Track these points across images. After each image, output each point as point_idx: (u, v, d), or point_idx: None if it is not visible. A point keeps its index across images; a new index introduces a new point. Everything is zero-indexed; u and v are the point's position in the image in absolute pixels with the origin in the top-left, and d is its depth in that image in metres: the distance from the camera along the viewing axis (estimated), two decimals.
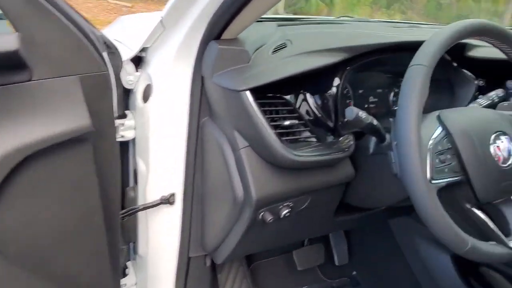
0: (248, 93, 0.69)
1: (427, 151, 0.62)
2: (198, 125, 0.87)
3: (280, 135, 0.74)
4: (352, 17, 1.36)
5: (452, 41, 0.67)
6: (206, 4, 0.72)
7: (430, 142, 0.63)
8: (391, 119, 0.70)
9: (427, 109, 0.65)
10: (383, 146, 0.77)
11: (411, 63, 0.65)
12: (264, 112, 0.72)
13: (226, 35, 0.76)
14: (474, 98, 0.93)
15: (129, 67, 0.90)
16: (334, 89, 0.80)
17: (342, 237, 1.38)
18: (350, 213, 0.99)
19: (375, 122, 0.71)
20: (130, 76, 0.90)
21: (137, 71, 0.93)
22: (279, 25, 1.05)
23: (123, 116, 0.93)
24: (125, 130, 0.93)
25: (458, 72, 0.95)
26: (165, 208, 0.95)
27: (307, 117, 0.82)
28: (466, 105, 0.92)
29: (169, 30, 0.81)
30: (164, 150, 0.89)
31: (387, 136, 0.76)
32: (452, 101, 0.96)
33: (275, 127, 0.75)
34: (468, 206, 0.68)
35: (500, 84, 1.03)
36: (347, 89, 0.89)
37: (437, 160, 0.62)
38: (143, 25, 0.96)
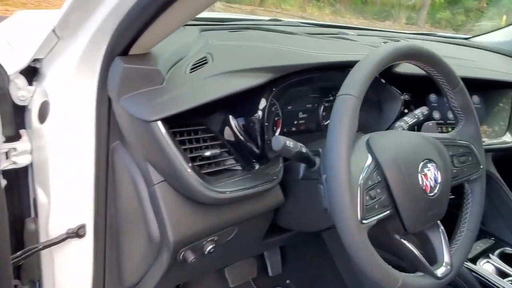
0: (159, 123, 0.60)
1: (358, 187, 0.58)
2: (107, 150, 0.75)
3: (200, 167, 0.65)
4: (281, 20, 1.30)
5: (380, 68, 0.63)
6: (107, 15, 0.60)
7: (361, 177, 0.59)
8: (320, 149, 0.66)
9: None
10: (312, 171, 0.73)
11: (340, 92, 0.60)
12: (181, 143, 0.63)
13: (135, 49, 0.64)
14: (401, 114, 0.93)
15: (19, 80, 0.76)
16: (260, 113, 0.73)
17: (276, 248, 1.34)
18: (280, 233, 0.94)
19: (304, 149, 0.66)
20: (21, 91, 0.76)
21: (31, 84, 0.78)
22: (202, 30, 0.95)
23: (15, 138, 0.78)
24: (18, 155, 0.78)
25: (386, 88, 0.94)
26: (73, 242, 0.82)
27: (231, 139, 0.75)
28: (394, 121, 0.92)
29: (66, 41, 0.68)
30: (68, 177, 0.76)
31: (317, 160, 0.71)
32: (380, 117, 0.95)
33: (194, 159, 0.66)
34: (397, 237, 0.66)
35: (424, 98, 1.05)
36: (275, 106, 0.83)
37: (367, 197, 0.59)
38: (40, 27, 0.80)
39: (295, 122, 0.90)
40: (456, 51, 1.39)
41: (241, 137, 0.73)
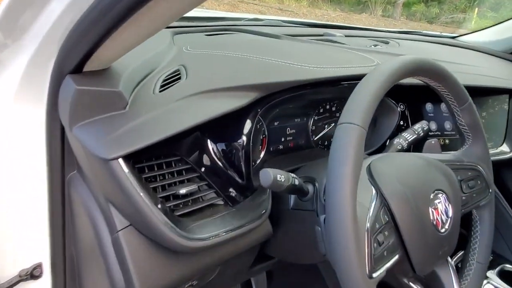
0: (120, 161, 0.48)
1: (365, 233, 0.49)
2: (63, 181, 0.63)
3: (175, 207, 0.55)
4: (262, 20, 1.19)
5: (386, 89, 0.54)
6: (54, 21, 0.48)
7: (368, 218, 0.50)
8: (316, 183, 0.56)
9: None
10: (305, 200, 0.63)
11: (342, 119, 0.50)
12: (150, 179, 0.52)
13: (91, 65, 0.52)
14: (398, 127, 0.85)
15: None
16: (244, 138, 0.62)
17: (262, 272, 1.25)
18: (268, 259, 0.85)
19: (296, 181, 0.56)
20: None
21: None
22: (175, 33, 0.83)
23: None
24: None
25: (382, 100, 0.85)
26: (28, 285, 0.70)
27: (210, 169, 0.64)
28: (391, 135, 0.84)
29: (4, 55, 0.55)
30: (17, 211, 0.64)
31: (310, 188, 0.62)
32: (376, 130, 0.87)
33: (167, 198, 0.55)
34: (405, 280, 0.58)
35: (420, 107, 0.97)
36: (260, 123, 0.72)
37: (375, 245, 0.49)
38: None
39: (283, 139, 0.80)
40: (444, 51, 1.33)
41: (222, 166, 0.63)
